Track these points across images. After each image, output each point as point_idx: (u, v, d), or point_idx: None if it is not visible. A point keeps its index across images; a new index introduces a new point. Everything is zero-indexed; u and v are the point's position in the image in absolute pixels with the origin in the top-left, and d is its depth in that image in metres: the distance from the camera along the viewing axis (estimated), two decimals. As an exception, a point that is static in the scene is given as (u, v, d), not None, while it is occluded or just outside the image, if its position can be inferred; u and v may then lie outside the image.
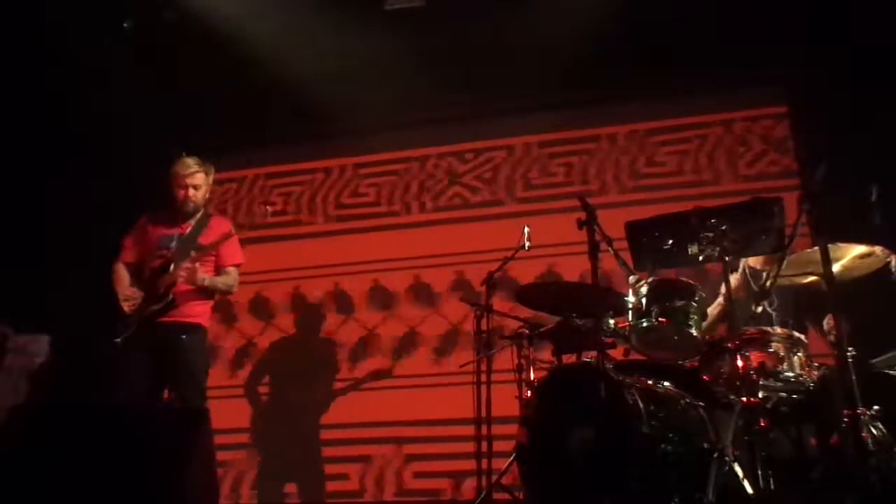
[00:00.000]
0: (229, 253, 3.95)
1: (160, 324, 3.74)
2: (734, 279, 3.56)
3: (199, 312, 3.86)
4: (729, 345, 2.86)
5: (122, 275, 3.91)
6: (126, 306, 3.75)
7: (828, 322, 3.40)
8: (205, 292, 3.87)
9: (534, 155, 5.69)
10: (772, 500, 2.54)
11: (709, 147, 5.35)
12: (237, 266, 4.01)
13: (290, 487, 5.30)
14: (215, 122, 5.98)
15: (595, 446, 2.82)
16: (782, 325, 3.23)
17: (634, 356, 3.35)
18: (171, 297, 3.72)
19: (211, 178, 4.03)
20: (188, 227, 3.91)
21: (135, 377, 3.67)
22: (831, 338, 3.39)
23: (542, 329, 3.80)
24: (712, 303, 3.55)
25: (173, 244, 3.83)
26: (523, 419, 3.27)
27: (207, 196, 4.03)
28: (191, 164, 3.93)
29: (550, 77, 5.24)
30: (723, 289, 3.59)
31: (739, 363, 2.78)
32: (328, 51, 5.33)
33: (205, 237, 3.88)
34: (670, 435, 2.87)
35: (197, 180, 3.92)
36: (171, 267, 3.75)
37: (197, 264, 3.75)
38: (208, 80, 5.76)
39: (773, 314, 3.56)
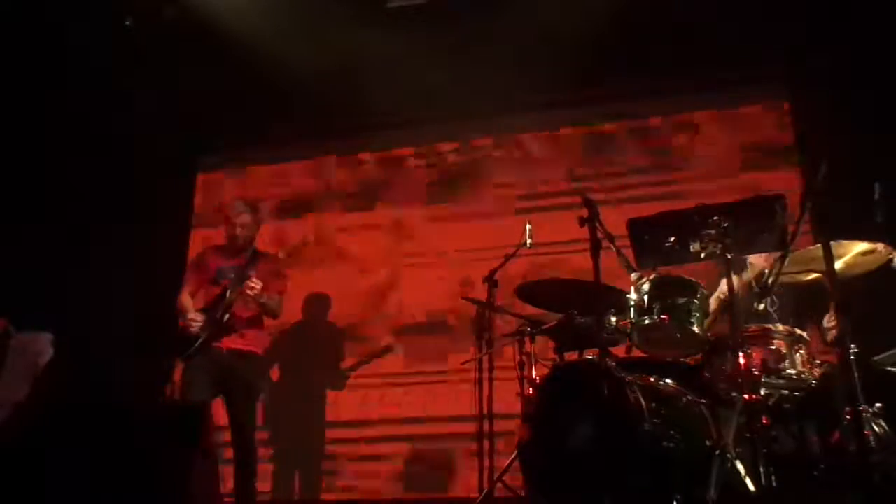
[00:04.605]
0: (276, 284, 4.37)
1: (223, 349, 4.17)
2: (738, 280, 3.55)
3: (256, 340, 4.33)
4: (731, 342, 2.85)
5: (188, 302, 4.35)
6: (192, 328, 4.17)
7: (828, 320, 3.39)
8: (257, 320, 4.33)
9: (535, 152, 5.69)
10: (774, 498, 2.54)
11: (711, 144, 5.35)
12: (281, 294, 4.45)
13: (293, 483, 5.31)
14: (215, 120, 5.99)
15: (597, 444, 2.81)
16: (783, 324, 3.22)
17: (636, 353, 3.34)
18: (227, 317, 4.17)
19: (259, 217, 4.52)
20: (242, 260, 4.33)
21: (196, 394, 4.05)
22: (830, 336, 3.38)
23: (543, 326, 3.80)
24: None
25: (231, 275, 4.27)
26: (525, 416, 3.27)
27: (257, 232, 4.48)
28: (239, 206, 4.44)
29: (551, 75, 5.24)
30: (722, 286, 3.60)
31: (741, 360, 2.77)
32: (330, 49, 5.33)
33: (256, 269, 4.29)
34: (672, 432, 2.86)
35: (244, 220, 4.38)
36: (229, 293, 4.19)
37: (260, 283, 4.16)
38: (209, 79, 5.76)
39: (773, 314, 3.55)
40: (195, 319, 4.19)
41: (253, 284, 4.11)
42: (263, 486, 4.40)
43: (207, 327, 4.16)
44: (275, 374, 5.59)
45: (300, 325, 5.68)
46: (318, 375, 5.56)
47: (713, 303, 3.53)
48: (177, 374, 4.30)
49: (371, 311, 5.63)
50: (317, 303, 5.68)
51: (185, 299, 4.37)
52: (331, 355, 5.58)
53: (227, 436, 4.15)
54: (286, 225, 5.97)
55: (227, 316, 4.17)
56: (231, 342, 4.20)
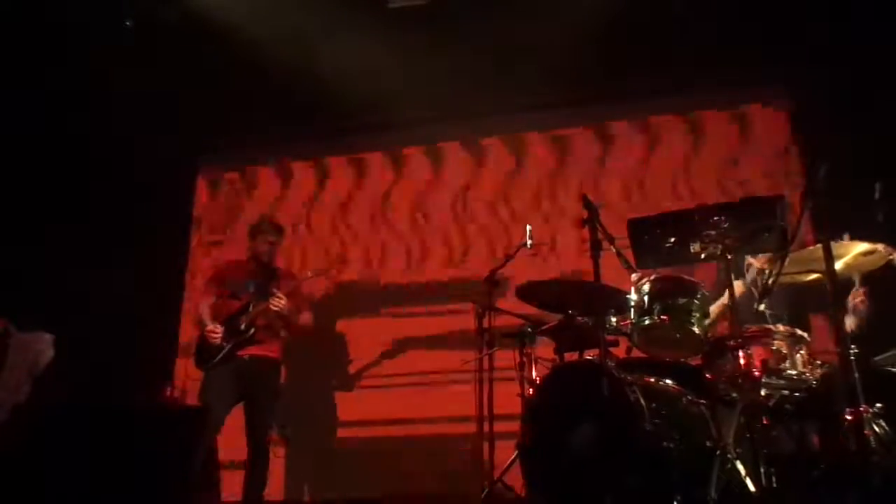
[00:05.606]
0: (294, 300, 4.52)
1: (245, 356, 4.32)
2: (739, 284, 3.54)
3: (276, 348, 4.48)
4: (731, 342, 2.85)
5: (208, 313, 4.49)
6: (213, 339, 4.31)
7: (853, 297, 3.35)
8: (275, 328, 4.47)
9: (535, 152, 5.69)
10: (774, 498, 2.54)
11: (711, 145, 5.35)
12: (299, 310, 4.64)
13: (294, 484, 5.30)
14: (216, 120, 5.99)
15: (597, 444, 2.81)
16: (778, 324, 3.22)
17: (636, 354, 3.34)
18: (251, 331, 4.32)
19: (281, 237, 4.74)
20: (261, 276, 4.52)
21: (217, 401, 4.15)
22: (854, 319, 3.33)
23: (544, 326, 3.79)
24: (714, 301, 3.53)
25: (251, 289, 4.44)
26: (525, 417, 3.27)
27: (277, 251, 4.69)
28: (265, 226, 4.65)
29: (551, 74, 5.24)
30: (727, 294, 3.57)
31: (742, 361, 2.77)
32: (331, 49, 5.33)
33: (276, 285, 4.46)
34: (672, 433, 2.86)
35: (269, 239, 4.60)
36: (251, 307, 4.35)
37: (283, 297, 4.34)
38: (209, 79, 5.76)
39: (767, 313, 3.54)
40: (215, 332, 4.31)
41: (278, 300, 4.29)
42: (269, 488, 4.40)
43: (229, 338, 4.31)
44: (282, 375, 5.60)
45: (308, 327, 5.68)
46: (324, 377, 5.56)
47: (716, 309, 3.50)
48: (177, 377, 4.34)
49: (373, 311, 5.63)
50: (324, 305, 5.68)
51: (205, 311, 4.50)
52: (338, 357, 5.57)
53: (231, 440, 4.15)
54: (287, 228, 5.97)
55: (251, 329, 4.32)
56: (253, 349, 4.35)
